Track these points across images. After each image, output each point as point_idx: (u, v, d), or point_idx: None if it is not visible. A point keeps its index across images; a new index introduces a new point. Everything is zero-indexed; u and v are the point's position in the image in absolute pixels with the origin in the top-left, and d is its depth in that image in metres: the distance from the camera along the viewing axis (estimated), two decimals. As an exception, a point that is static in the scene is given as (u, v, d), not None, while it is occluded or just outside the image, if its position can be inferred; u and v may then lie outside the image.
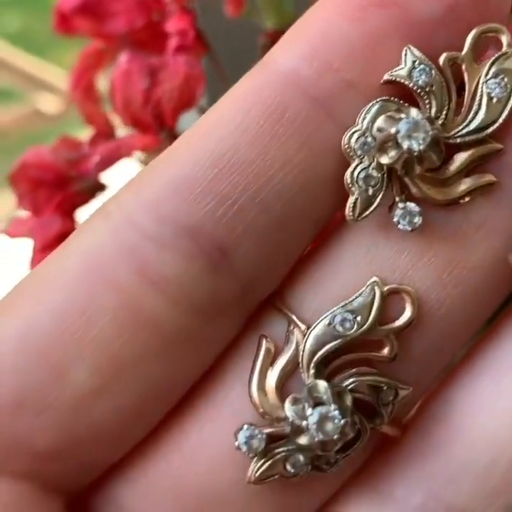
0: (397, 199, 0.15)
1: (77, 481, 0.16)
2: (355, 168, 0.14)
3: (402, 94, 0.14)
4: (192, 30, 0.24)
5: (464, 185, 0.14)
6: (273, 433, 0.15)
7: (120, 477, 0.16)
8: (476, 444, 0.15)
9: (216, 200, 0.14)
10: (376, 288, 0.15)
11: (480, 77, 0.14)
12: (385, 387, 0.15)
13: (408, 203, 0.14)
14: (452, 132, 0.14)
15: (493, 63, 0.14)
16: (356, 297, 0.15)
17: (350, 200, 0.14)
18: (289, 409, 0.14)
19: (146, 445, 0.16)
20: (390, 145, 0.14)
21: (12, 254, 0.29)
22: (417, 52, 0.14)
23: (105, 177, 0.25)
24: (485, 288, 0.15)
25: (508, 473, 0.15)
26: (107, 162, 0.23)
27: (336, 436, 0.14)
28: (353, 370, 0.15)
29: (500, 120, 0.14)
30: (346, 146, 0.14)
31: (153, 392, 0.15)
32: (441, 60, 0.14)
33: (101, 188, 0.25)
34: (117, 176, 0.25)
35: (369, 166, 0.14)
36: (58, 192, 0.24)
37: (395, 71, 0.14)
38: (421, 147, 0.14)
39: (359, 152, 0.14)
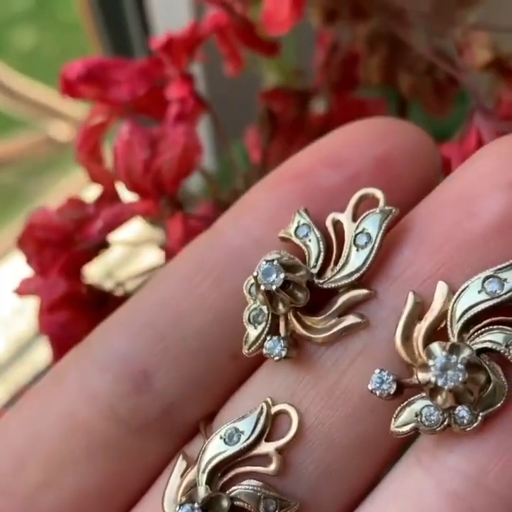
0: (280, 335, 0.17)
1: None
2: (249, 309, 0.17)
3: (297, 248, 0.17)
4: (191, 98, 0.25)
5: (337, 326, 0.16)
6: None
7: None
8: None
9: (144, 331, 0.17)
10: (263, 406, 0.17)
11: (352, 232, 0.17)
12: (262, 497, 0.16)
13: (274, 338, 0.17)
14: (327, 278, 0.17)
15: (362, 220, 0.17)
16: (246, 415, 0.17)
17: (244, 336, 0.17)
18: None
19: None
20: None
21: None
22: (303, 214, 0.17)
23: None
24: (363, 411, 0.16)
25: None
26: (110, 227, 0.24)
27: None
28: (244, 481, 0.17)
29: (364, 268, 0.16)
30: (245, 291, 0.17)
31: (90, 492, 0.18)
32: (327, 220, 0.17)
33: (105, 246, 0.26)
34: (120, 234, 0.26)
35: (258, 307, 0.17)
36: (64, 251, 0.25)
37: (286, 230, 0.17)
38: (273, 287, 0.16)
39: (253, 296, 0.17)
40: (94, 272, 0.27)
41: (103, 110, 0.26)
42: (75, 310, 0.25)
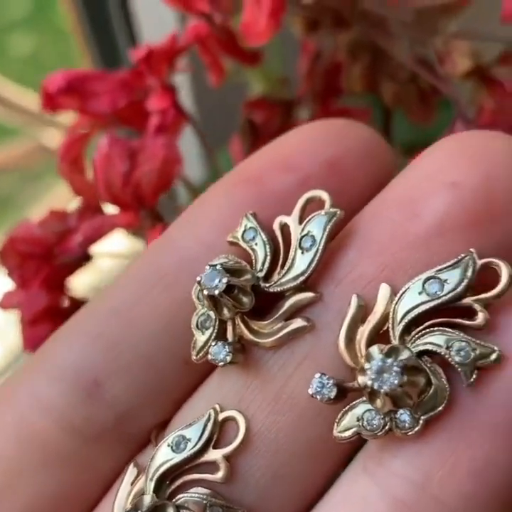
0: (227, 340, 0.17)
1: None
2: (197, 315, 0.17)
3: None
4: (172, 109, 0.25)
5: (283, 330, 0.16)
6: None
7: None
8: None
9: (96, 339, 0.17)
10: (211, 413, 0.16)
11: (298, 235, 0.16)
12: (208, 505, 0.16)
13: (219, 343, 0.16)
14: (273, 282, 0.16)
15: (307, 222, 0.16)
16: (193, 422, 0.16)
17: (192, 342, 0.17)
18: None
19: None
20: None
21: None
22: (250, 218, 0.17)
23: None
24: (310, 416, 0.16)
25: None
26: (90, 240, 0.24)
27: None
28: (191, 489, 0.16)
29: (309, 271, 0.16)
30: (194, 297, 0.17)
31: (46, 501, 0.18)
32: (274, 223, 0.17)
33: (87, 259, 0.26)
34: (102, 245, 0.26)
35: (206, 312, 0.17)
36: (45, 264, 0.25)
37: (233, 233, 0.17)
38: (216, 291, 0.16)
39: (201, 301, 0.17)
40: (82, 284, 0.27)
41: (86, 122, 0.26)
42: (57, 323, 0.25)
